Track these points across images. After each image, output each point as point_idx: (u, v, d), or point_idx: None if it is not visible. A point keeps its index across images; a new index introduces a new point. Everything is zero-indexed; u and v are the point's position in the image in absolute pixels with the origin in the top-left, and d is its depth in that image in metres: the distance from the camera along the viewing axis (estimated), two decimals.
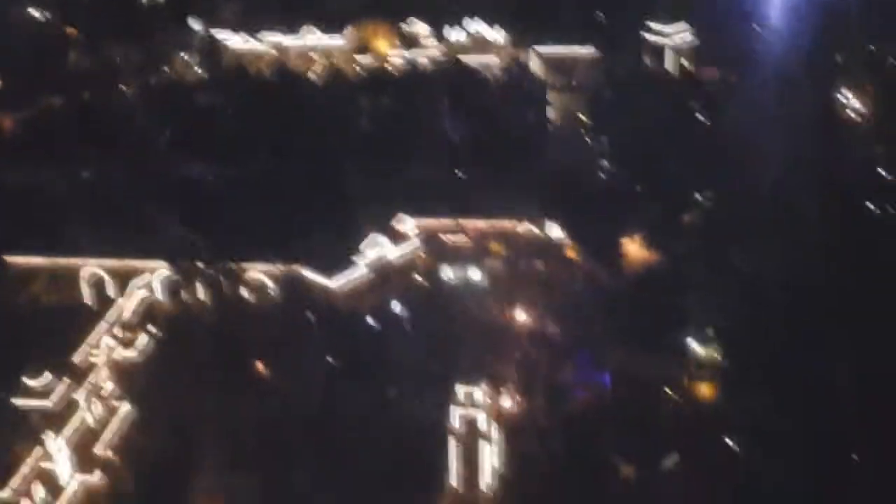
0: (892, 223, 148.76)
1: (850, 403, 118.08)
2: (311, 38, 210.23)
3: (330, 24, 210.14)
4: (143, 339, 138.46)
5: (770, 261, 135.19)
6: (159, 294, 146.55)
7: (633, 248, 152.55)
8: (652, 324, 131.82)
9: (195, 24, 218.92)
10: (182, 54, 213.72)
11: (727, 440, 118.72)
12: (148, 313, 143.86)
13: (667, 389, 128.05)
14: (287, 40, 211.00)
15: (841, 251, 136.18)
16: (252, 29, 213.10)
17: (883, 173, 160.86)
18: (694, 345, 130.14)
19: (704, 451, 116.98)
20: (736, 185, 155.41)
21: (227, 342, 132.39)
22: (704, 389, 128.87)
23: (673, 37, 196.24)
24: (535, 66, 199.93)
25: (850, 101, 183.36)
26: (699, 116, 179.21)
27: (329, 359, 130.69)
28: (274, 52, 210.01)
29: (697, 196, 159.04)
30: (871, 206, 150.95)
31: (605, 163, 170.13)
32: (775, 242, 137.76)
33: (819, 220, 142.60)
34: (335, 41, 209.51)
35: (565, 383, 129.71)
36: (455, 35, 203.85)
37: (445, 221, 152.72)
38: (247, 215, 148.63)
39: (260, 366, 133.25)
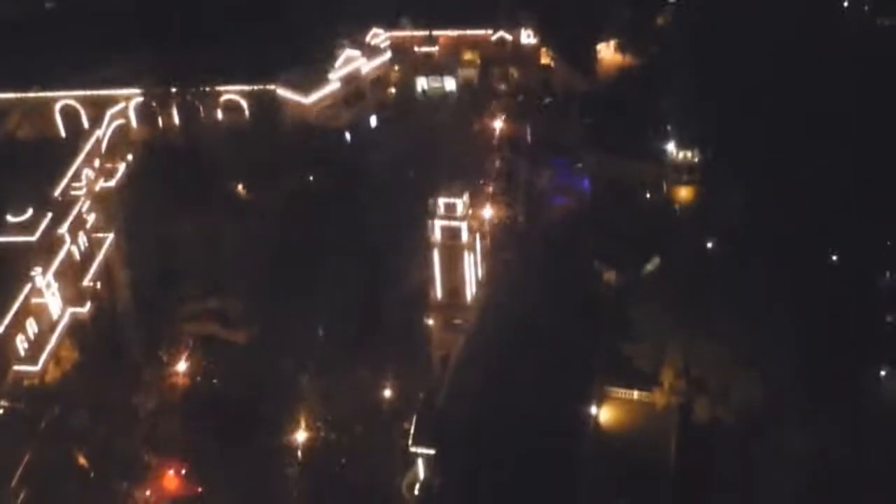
0: None
1: (826, 199, 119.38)
2: None
3: None
4: (122, 168, 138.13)
5: (745, 64, 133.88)
6: (135, 122, 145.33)
7: (608, 53, 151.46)
8: (628, 128, 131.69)
9: None
10: None
11: (707, 243, 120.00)
12: (125, 141, 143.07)
13: (647, 193, 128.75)
14: None
15: (807, 44, 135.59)
16: None
17: None
18: (672, 148, 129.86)
19: (684, 255, 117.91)
20: None
21: (204, 164, 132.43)
22: (684, 192, 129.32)
23: None
24: None
25: None
26: None
27: (310, 175, 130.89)
28: None
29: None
30: None
31: None
32: (749, 45, 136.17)
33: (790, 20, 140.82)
34: None
35: (544, 189, 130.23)
36: None
37: (418, 33, 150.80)
38: (220, 37, 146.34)
39: (239, 186, 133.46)
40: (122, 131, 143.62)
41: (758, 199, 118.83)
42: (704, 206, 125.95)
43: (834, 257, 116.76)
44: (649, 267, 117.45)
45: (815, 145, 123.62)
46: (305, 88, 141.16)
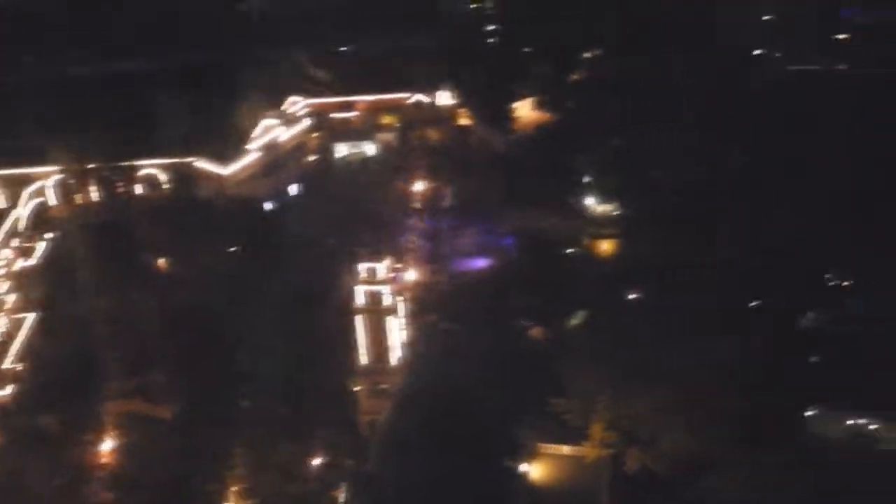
0: None
1: (747, 241, 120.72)
2: None
3: None
4: (41, 246, 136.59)
5: (660, 116, 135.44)
6: (53, 199, 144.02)
7: (526, 110, 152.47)
8: (549, 184, 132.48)
9: None
10: None
11: (632, 293, 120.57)
12: (44, 219, 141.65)
13: (569, 248, 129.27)
14: None
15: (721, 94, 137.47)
16: None
17: None
18: (592, 202, 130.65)
19: (610, 306, 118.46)
20: (623, 45, 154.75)
21: (124, 240, 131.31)
22: (605, 246, 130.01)
23: None
24: None
25: None
26: None
27: (231, 247, 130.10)
28: None
29: (586, 54, 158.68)
30: None
31: (492, 26, 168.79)
32: (664, 97, 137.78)
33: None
34: None
35: (468, 250, 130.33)
36: None
37: (336, 100, 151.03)
38: (136, 112, 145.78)
39: (160, 260, 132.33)
40: (40, 209, 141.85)
41: (677, 249, 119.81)
42: (625, 257, 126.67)
43: (754, 302, 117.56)
44: (575, 321, 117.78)
45: (731, 193, 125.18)
46: (224, 160, 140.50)
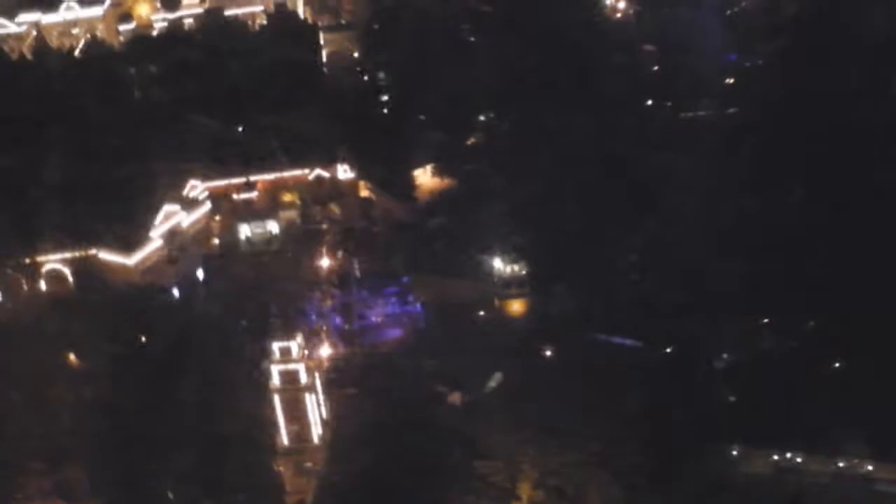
0: None
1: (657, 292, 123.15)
2: (71, 13, 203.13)
3: None
4: None
5: (558, 171, 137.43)
6: None
7: (425, 178, 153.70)
8: (454, 249, 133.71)
9: None
10: None
11: (545, 351, 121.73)
12: None
13: (480, 312, 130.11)
14: (46, 18, 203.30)
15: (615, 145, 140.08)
16: (6, 11, 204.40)
17: None
18: (498, 263, 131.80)
19: (524, 366, 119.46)
20: (515, 105, 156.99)
21: (31, 337, 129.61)
22: (516, 306, 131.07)
23: None
24: (301, 8, 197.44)
25: None
26: (471, 38, 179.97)
27: (140, 337, 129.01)
28: (34, 32, 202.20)
29: (481, 117, 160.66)
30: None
31: (385, 97, 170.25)
32: (560, 153, 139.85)
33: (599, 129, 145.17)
34: (95, 12, 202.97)
35: (380, 321, 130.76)
36: None
37: (236, 181, 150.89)
38: (35, 205, 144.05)
39: (70, 355, 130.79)
40: None
41: (587, 301, 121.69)
42: (536, 315, 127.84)
43: (669, 349, 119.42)
44: (492, 383, 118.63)
45: (635, 243, 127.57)
46: (127, 249, 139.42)
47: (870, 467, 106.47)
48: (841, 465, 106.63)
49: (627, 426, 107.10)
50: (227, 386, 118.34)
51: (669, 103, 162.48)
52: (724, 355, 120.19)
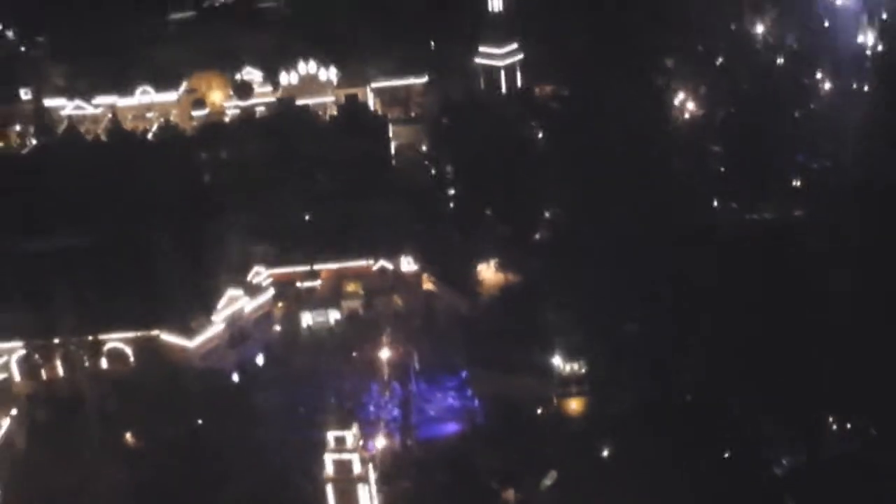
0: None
1: (709, 397, 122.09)
2: (146, 97, 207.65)
3: (164, 81, 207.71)
4: (5, 423, 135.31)
5: (621, 271, 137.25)
6: (17, 375, 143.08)
7: (489, 273, 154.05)
8: (515, 345, 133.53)
9: (25, 94, 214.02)
10: (15, 127, 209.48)
11: (601, 452, 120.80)
12: (8, 396, 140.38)
13: (538, 409, 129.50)
14: (121, 101, 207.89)
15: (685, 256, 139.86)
16: (85, 93, 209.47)
17: None
18: (558, 361, 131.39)
19: (580, 465, 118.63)
20: (582, 198, 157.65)
21: (92, 415, 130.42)
22: (574, 404, 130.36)
23: (504, 57, 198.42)
24: (371, 101, 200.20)
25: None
26: (538, 132, 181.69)
27: (198, 420, 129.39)
28: (109, 114, 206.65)
29: (546, 214, 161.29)
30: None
31: (452, 191, 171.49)
32: (625, 251, 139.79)
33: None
34: (170, 97, 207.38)
35: (437, 415, 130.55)
36: (289, 79, 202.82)
37: (300, 268, 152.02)
38: (99, 285, 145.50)
39: (128, 435, 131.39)
40: (4, 385, 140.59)
41: (645, 403, 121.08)
42: (595, 415, 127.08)
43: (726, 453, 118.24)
44: (547, 482, 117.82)
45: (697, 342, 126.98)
46: (189, 332, 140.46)
47: None
48: None
49: None
50: (280, 472, 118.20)
51: (735, 205, 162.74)
52: (784, 461, 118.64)
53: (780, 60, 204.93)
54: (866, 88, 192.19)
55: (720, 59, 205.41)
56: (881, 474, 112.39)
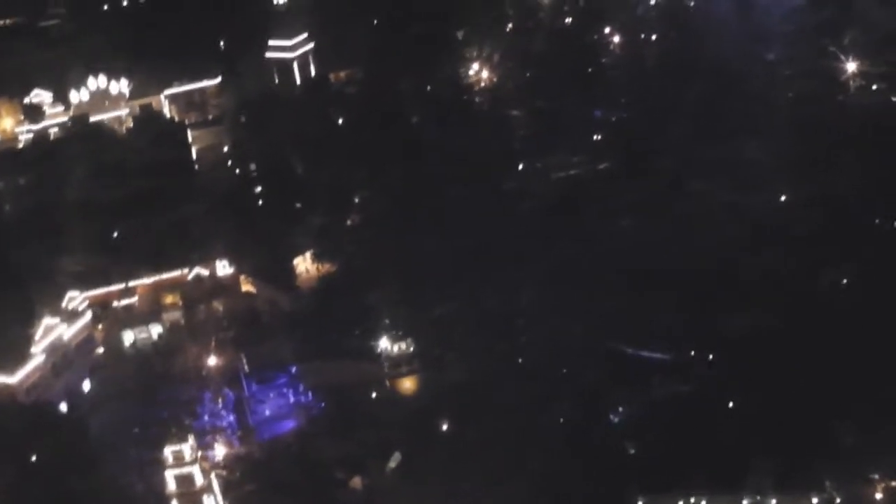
0: None
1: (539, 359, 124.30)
2: None
3: None
4: None
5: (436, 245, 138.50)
6: None
7: (306, 265, 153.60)
8: (340, 334, 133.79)
9: None
10: None
11: (441, 426, 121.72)
12: None
13: (372, 393, 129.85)
14: None
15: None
16: None
17: None
18: (385, 343, 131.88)
19: (422, 442, 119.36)
20: (388, 178, 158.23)
21: None
22: (407, 383, 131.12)
23: (294, 48, 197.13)
24: (167, 108, 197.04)
25: None
26: (337, 118, 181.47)
27: (30, 456, 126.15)
28: None
29: (355, 199, 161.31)
30: None
31: (259, 188, 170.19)
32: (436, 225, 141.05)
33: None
34: None
35: (273, 414, 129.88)
36: (79, 96, 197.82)
37: (115, 287, 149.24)
38: None
39: None
40: None
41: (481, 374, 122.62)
42: (429, 391, 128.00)
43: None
44: (392, 464, 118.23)
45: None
46: (8, 368, 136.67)
47: (773, 501, 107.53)
48: (745, 502, 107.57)
49: (534, 488, 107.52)
50: (122, 496, 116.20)
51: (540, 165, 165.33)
52: (620, 408, 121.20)
53: (568, 20, 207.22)
54: (654, 38, 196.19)
55: (510, 26, 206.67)
56: (709, 407, 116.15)
